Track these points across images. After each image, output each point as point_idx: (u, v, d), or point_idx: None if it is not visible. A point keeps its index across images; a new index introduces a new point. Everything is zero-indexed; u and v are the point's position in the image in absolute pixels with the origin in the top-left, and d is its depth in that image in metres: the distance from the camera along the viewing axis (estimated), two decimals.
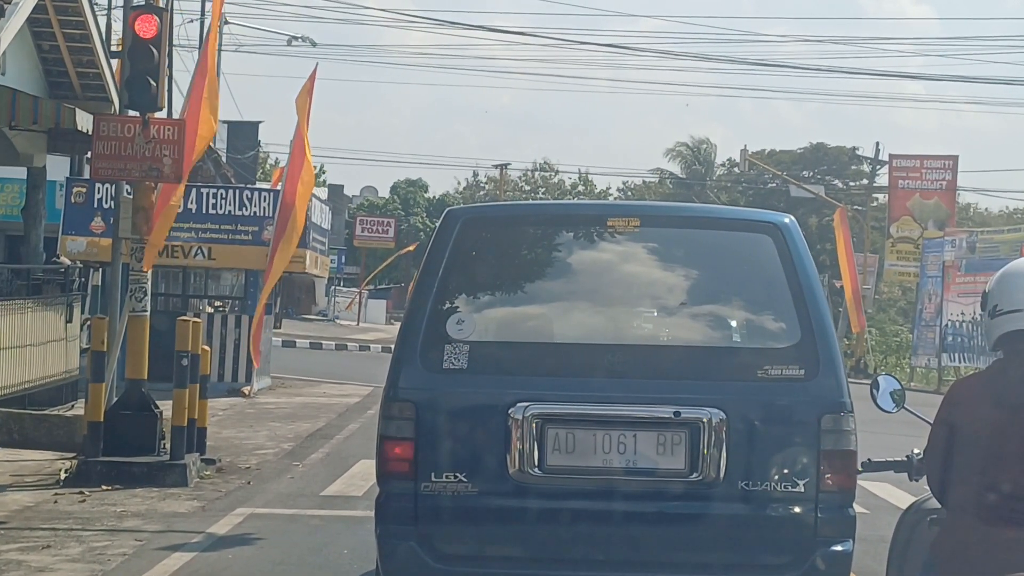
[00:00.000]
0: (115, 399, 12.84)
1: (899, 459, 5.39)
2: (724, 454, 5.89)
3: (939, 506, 4.92)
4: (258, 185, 33.53)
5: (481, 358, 6.04)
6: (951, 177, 47.32)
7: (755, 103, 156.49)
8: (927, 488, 5.58)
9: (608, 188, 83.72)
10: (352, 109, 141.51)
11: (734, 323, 6.27)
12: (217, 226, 20.45)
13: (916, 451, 5.22)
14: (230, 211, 20.49)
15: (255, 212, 20.49)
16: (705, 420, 5.90)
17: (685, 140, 74.40)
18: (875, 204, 57.55)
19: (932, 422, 4.64)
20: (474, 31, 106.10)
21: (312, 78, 15.73)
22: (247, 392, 20.65)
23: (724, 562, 5.99)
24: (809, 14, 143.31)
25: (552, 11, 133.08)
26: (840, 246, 41.28)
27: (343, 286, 66.35)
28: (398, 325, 7.89)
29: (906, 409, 5.49)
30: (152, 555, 9.10)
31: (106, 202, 19.41)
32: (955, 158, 47.88)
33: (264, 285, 16.04)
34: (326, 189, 63.92)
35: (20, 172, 19.95)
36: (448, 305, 6.11)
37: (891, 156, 49.39)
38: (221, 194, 20.75)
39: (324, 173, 79.76)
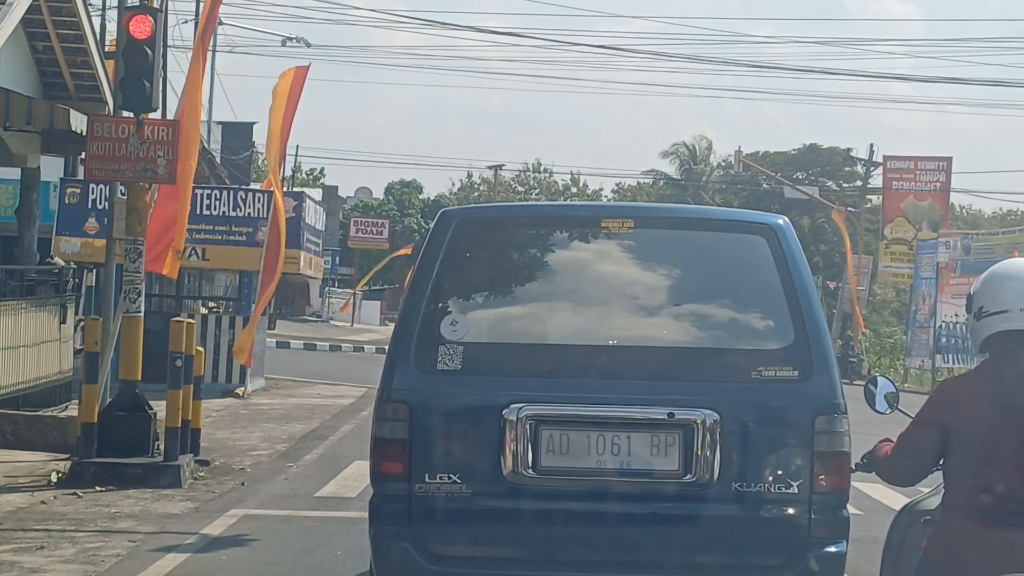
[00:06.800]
0: (109, 400, 12.83)
1: None
2: (718, 455, 5.89)
3: (933, 507, 4.92)
4: (252, 186, 33.51)
5: (475, 359, 6.03)
6: (945, 179, 47.41)
7: (743, 104, 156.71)
8: (921, 489, 5.59)
9: (601, 189, 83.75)
10: (345, 110, 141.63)
11: (728, 324, 6.25)
12: (211, 227, 20.45)
13: None
14: (224, 212, 20.49)
15: (249, 213, 20.49)
16: (699, 421, 5.89)
17: (676, 140, 74.53)
18: (868, 206, 57.60)
19: (913, 418, 4.63)
20: (464, 31, 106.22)
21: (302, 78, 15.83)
22: (241, 393, 20.64)
23: (718, 563, 5.99)
24: (794, 15, 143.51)
25: (542, 12, 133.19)
26: (847, 246, 41.72)
27: (337, 287, 66.34)
28: (392, 326, 7.88)
29: (900, 411, 5.48)
30: (146, 556, 9.09)
31: (100, 203, 19.39)
32: (949, 159, 47.99)
33: (263, 288, 15.99)
34: (320, 190, 63.93)
35: (14, 173, 19.91)
36: (442, 306, 6.10)
37: (885, 158, 49.51)
38: (215, 195, 20.75)
39: (323, 176, 79.83)
